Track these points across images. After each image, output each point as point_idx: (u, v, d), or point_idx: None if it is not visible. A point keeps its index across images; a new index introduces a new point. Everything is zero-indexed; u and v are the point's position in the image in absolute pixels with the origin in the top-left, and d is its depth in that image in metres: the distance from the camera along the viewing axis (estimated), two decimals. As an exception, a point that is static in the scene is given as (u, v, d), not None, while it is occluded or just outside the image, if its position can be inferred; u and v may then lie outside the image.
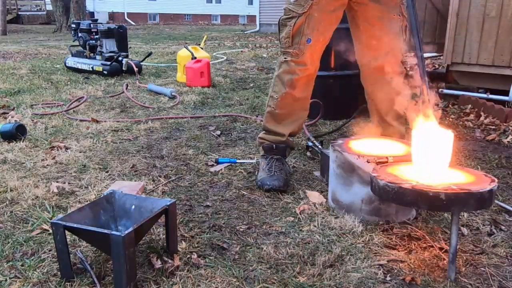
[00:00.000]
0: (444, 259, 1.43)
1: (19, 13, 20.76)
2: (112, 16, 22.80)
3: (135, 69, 5.05)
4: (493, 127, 3.05)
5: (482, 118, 3.21)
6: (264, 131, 2.19)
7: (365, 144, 1.84)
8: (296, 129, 2.18)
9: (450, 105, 3.61)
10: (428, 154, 1.44)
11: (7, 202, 1.85)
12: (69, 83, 4.78)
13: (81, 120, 3.22)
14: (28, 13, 21.83)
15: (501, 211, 1.81)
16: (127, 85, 4.19)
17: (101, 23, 5.58)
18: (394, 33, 1.96)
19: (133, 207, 1.48)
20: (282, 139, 2.14)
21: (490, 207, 1.66)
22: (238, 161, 2.36)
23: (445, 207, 1.30)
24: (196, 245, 1.53)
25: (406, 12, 1.97)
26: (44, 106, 3.67)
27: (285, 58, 2.02)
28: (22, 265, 1.40)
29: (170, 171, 2.22)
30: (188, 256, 1.45)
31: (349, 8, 2.02)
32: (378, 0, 1.94)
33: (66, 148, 2.57)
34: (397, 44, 1.99)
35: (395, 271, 1.38)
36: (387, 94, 2.11)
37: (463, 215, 1.75)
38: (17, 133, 2.70)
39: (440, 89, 3.72)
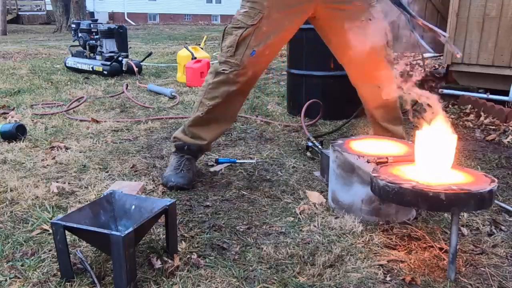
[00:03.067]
0: (444, 259, 1.43)
1: (19, 13, 20.75)
2: (112, 16, 22.79)
3: (135, 69, 5.06)
4: (493, 127, 3.05)
5: (482, 118, 3.21)
6: (183, 131, 2.11)
7: (365, 144, 1.84)
8: (219, 135, 2.19)
9: (450, 105, 3.61)
10: (431, 156, 1.44)
11: (7, 202, 1.85)
12: (69, 83, 4.78)
13: (81, 120, 3.22)
14: (28, 13, 21.82)
15: (501, 211, 1.81)
16: (127, 85, 4.19)
17: (101, 23, 5.59)
18: (368, 39, 1.86)
19: (133, 207, 1.48)
20: (203, 143, 2.08)
21: (490, 207, 1.66)
22: (238, 161, 2.36)
23: (445, 207, 1.30)
24: (196, 245, 1.53)
25: (378, 14, 1.89)
26: (44, 106, 3.67)
27: (223, 69, 1.95)
28: (22, 265, 1.40)
29: (170, 171, 2.22)
30: (188, 256, 1.45)
31: (315, 24, 1.95)
32: (340, 9, 1.87)
33: (66, 148, 2.57)
34: (374, 49, 1.88)
35: (395, 271, 1.38)
36: (377, 100, 2.06)
37: (463, 215, 1.75)
38: (17, 133, 2.70)
39: (440, 89, 3.73)
